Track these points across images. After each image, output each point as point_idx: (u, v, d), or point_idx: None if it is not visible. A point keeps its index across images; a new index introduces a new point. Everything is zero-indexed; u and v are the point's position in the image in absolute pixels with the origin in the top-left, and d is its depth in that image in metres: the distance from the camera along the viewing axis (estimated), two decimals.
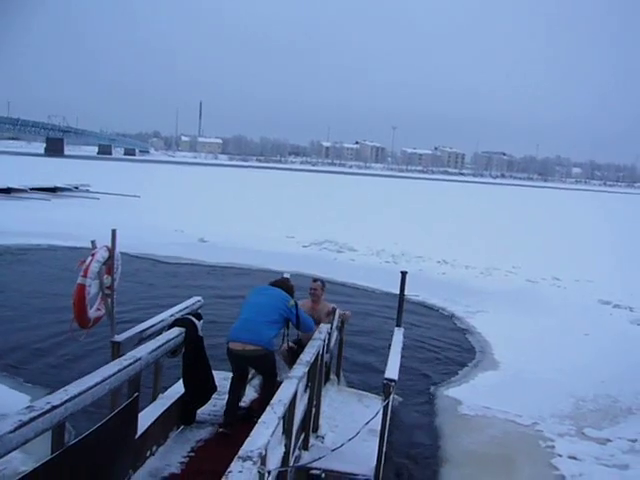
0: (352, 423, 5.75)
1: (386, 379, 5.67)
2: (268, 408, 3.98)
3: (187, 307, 6.58)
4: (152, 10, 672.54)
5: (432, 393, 8.34)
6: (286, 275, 7.36)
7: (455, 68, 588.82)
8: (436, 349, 10.36)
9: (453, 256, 18.92)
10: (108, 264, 5.38)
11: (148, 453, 5.24)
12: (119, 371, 4.44)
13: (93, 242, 5.43)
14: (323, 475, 5.73)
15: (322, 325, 6.49)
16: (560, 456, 6.49)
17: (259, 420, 3.79)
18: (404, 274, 7.68)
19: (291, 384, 4.49)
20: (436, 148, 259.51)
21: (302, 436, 5.96)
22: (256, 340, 5.66)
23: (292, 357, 6.71)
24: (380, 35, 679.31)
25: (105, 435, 4.27)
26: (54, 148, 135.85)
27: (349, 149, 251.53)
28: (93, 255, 5.21)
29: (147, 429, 5.22)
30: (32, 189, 33.48)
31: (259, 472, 3.62)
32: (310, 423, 6.06)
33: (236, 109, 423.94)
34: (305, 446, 5.95)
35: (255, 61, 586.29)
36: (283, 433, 4.60)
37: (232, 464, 3.11)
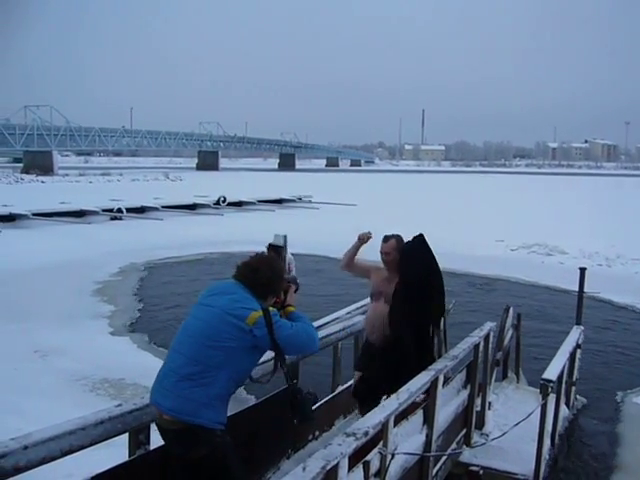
0: (524, 423, 5.62)
1: (543, 379, 5.56)
2: (393, 395, 4.19)
3: (358, 307, 6.99)
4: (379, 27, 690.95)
5: (621, 398, 7.91)
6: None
7: None
8: (637, 355, 9.72)
9: None
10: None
11: (310, 437, 5.65)
12: (263, 362, 4.90)
13: (268, 247, 6.02)
14: (481, 472, 5.76)
15: (487, 323, 6.30)
16: None
17: (381, 403, 4.03)
18: (583, 270, 7.41)
19: (427, 375, 4.62)
20: None
21: (463, 432, 6.04)
22: (176, 408, 3.22)
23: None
24: (603, 27, 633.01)
25: (256, 416, 4.78)
26: (286, 163, 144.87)
27: (577, 149, 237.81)
28: None
29: None
30: (260, 201, 36.18)
31: (380, 453, 3.89)
32: (472, 420, 6.10)
33: (458, 114, 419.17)
34: (467, 442, 6.00)
35: (472, 63, 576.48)
36: (424, 423, 4.76)
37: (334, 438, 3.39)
